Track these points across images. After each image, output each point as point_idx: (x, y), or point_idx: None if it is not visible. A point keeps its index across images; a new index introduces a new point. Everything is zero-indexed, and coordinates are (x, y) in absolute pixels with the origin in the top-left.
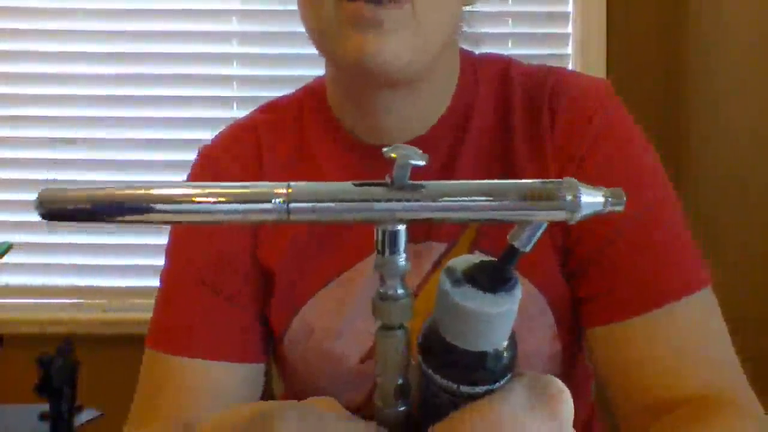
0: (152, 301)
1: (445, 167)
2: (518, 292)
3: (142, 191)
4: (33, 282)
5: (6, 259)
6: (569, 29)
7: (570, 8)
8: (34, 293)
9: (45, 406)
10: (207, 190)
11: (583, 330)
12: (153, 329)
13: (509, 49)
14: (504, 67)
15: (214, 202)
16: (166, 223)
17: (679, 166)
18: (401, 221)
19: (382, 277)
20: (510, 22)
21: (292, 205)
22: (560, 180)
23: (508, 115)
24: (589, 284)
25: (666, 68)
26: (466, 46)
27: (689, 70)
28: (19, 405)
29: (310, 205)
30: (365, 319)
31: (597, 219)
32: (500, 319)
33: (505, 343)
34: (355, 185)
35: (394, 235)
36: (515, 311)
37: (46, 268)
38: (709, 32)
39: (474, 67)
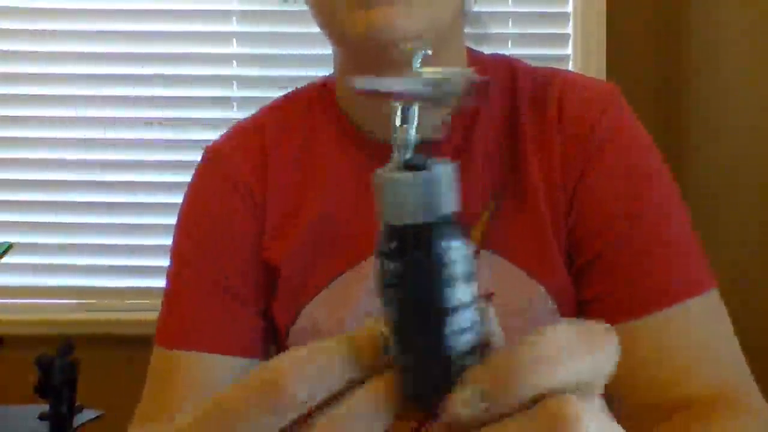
0: (152, 301)
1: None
2: (429, 173)
3: None
4: (33, 282)
5: (6, 259)
6: (569, 29)
7: (570, 8)
8: (34, 293)
9: (45, 406)
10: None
11: None
12: (160, 327)
13: (509, 49)
14: (509, 64)
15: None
16: None
17: (678, 166)
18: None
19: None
20: (510, 22)
21: None
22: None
23: (516, 113)
24: (596, 285)
25: (665, 68)
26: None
27: (689, 70)
28: (19, 405)
29: None
30: (371, 316)
31: (603, 221)
32: (400, 187)
33: (425, 221)
34: None
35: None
36: (429, 188)
37: (46, 268)
38: (708, 32)
39: (483, 63)
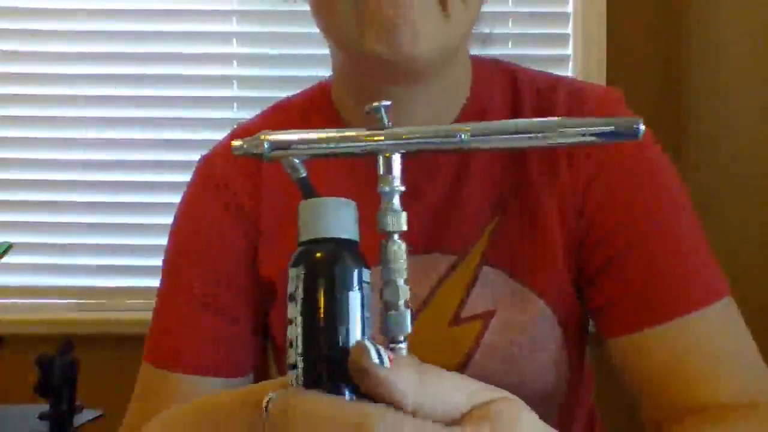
0: (152, 301)
1: (457, 175)
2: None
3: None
4: (33, 282)
5: (6, 259)
6: (569, 29)
7: (570, 8)
8: (34, 293)
9: (45, 406)
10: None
11: (588, 338)
12: (148, 342)
13: (509, 49)
14: (509, 71)
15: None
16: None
17: (678, 166)
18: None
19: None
20: (510, 22)
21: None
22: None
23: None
24: (611, 290)
25: (665, 68)
26: (472, 47)
27: (689, 71)
28: (19, 405)
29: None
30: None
31: (620, 222)
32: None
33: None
34: None
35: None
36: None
37: (46, 268)
38: (708, 32)
39: (488, 70)
